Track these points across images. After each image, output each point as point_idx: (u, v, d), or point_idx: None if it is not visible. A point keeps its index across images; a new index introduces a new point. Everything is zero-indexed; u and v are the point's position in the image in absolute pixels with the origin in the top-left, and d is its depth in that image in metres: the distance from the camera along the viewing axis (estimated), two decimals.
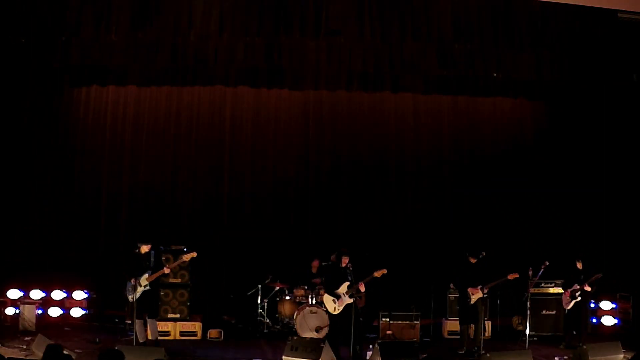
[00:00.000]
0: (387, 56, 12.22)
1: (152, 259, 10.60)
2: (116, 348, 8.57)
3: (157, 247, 10.97)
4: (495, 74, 12.78)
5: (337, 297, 10.55)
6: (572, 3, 11.41)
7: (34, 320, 11.89)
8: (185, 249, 11.67)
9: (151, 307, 10.73)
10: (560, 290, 12.26)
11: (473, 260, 11.20)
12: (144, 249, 10.61)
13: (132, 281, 10.33)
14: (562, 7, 11.56)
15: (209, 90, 13.76)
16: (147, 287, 10.47)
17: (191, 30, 11.52)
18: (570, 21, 11.79)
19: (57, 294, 12.67)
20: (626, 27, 11.78)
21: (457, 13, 11.77)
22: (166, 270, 10.59)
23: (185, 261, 10.76)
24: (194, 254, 10.64)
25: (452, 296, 12.61)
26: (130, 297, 10.37)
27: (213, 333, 12.02)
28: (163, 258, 11.20)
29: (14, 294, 12.40)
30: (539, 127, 14.47)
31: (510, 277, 11.00)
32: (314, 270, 12.63)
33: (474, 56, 12.31)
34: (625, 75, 12.45)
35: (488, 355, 9.56)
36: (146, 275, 10.44)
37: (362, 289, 10.47)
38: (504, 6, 11.83)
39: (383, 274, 10.52)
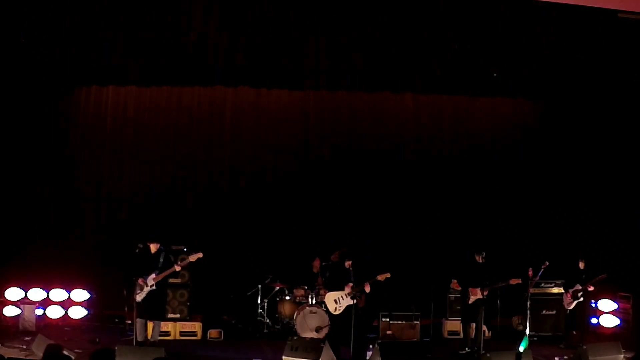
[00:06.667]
0: (387, 56, 12.21)
1: (161, 259, 10.57)
2: (116, 348, 8.57)
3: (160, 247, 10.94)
4: (495, 74, 12.78)
5: (340, 297, 10.56)
6: (572, 3, 11.39)
7: (34, 320, 11.90)
8: (185, 249, 11.66)
9: (157, 308, 10.66)
10: (560, 290, 12.27)
11: (479, 260, 11.20)
12: (153, 248, 10.57)
13: (140, 281, 10.31)
14: (562, 7, 11.55)
15: (209, 90, 13.76)
16: (153, 287, 10.44)
17: (191, 30, 11.51)
18: (571, 21, 11.78)
19: (57, 294, 12.66)
20: (626, 27, 11.77)
21: (458, 13, 11.77)
22: (177, 268, 10.53)
23: (191, 261, 10.72)
24: (200, 255, 10.55)
25: (452, 296, 12.64)
26: (137, 297, 10.34)
27: (213, 333, 12.02)
28: (172, 258, 11.03)
29: (14, 294, 12.40)
30: (539, 127, 14.48)
31: (513, 282, 11.00)
32: (314, 269, 12.62)
33: (474, 56, 12.30)
34: (624, 74, 12.44)
35: (488, 355, 9.56)
36: (153, 275, 10.42)
37: (368, 289, 10.49)
38: (503, 6, 11.83)
39: (386, 278, 10.54)
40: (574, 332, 11.77)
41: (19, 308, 12.10)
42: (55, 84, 13.06)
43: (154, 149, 13.74)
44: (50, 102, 13.31)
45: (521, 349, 9.61)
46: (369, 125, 14.19)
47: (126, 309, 11.69)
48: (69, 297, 12.70)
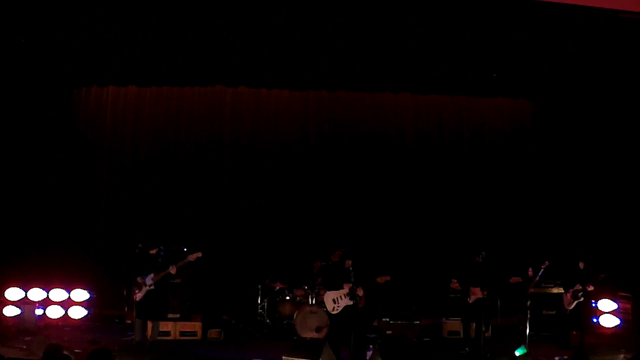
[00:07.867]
0: (387, 56, 12.21)
1: (159, 260, 10.58)
2: (116, 348, 8.58)
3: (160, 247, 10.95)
4: (495, 74, 12.78)
5: (338, 297, 10.56)
6: (572, 3, 11.39)
7: (34, 320, 11.90)
8: (185, 249, 11.65)
9: (156, 308, 10.67)
10: (560, 290, 12.27)
11: (479, 260, 11.22)
12: (153, 252, 10.60)
13: (139, 280, 10.32)
14: (562, 6, 11.54)
15: (209, 90, 13.76)
16: (152, 287, 10.45)
17: (191, 30, 11.50)
18: (571, 21, 11.78)
19: (57, 294, 12.66)
20: (626, 27, 11.77)
21: (458, 13, 11.76)
22: (172, 271, 10.55)
23: (190, 261, 10.74)
24: (199, 254, 10.58)
25: (452, 296, 12.63)
26: (136, 297, 10.35)
27: (213, 333, 12.02)
28: (171, 258, 11.08)
29: (14, 294, 12.40)
30: (539, 127, 14.48)
31: (513, 280, 11.02)
32: (315, 270, 12.62)
33: (474, 56, 12.30)
34: (625, 75, 12.44)
35: (488, 355, 9.56)
36: (152, 275, 10.43)
37: (361, 293, 10.48)
38: (504, 6, 11.82)
39: (386, 280, 10.54)
40: (574, 332, 11.76)
41: (19, 308, 12.10)
42: (55, 84, 13.05)
43: (154, 149, 13.75)
44: (50, 102, 13.31)
45: (517, 353, 9.57)
46: (369, 125, 14.19)
47: (126, 309, 11.69)
48: (69, 297, 12.70)
